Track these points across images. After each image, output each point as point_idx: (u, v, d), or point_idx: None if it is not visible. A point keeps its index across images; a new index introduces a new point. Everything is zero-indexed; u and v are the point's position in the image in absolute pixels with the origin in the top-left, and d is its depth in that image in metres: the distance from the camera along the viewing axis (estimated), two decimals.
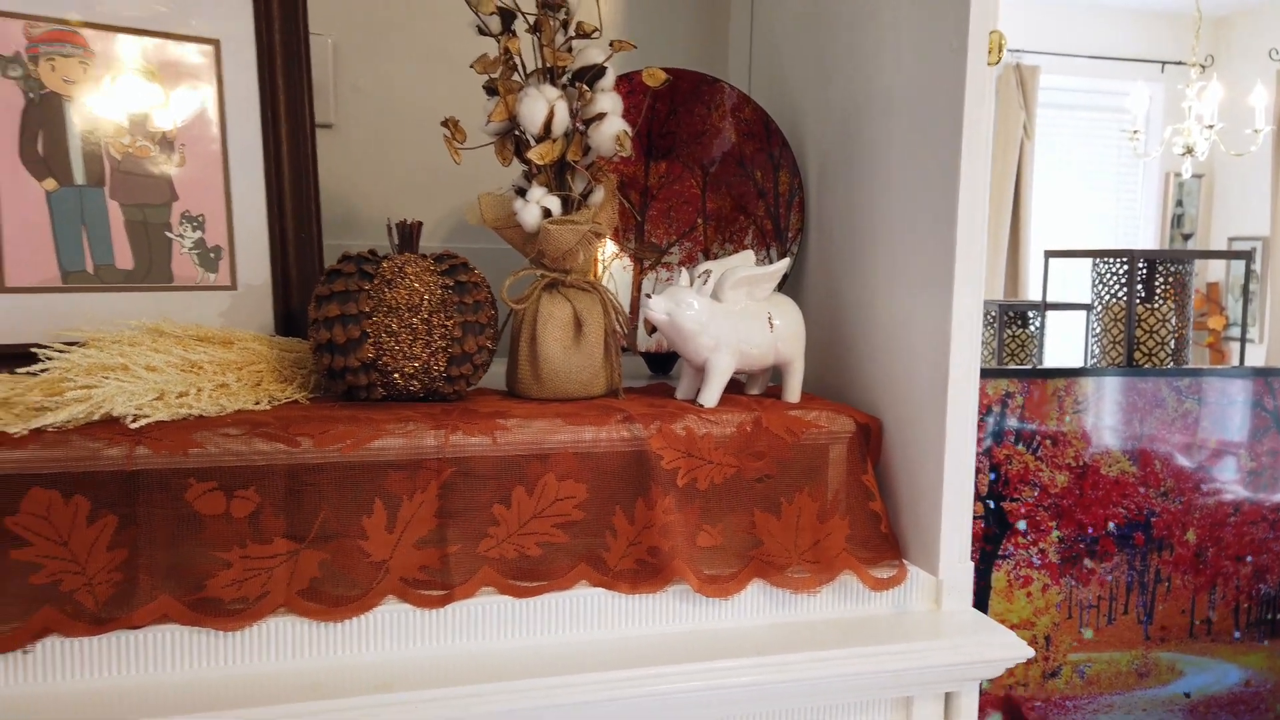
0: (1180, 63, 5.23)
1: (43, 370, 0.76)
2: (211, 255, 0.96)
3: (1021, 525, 1.33)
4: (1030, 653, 0.86)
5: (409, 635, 0.79)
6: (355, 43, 1.29)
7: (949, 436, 0.85)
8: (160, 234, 0.93)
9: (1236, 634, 1.41)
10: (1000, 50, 0.82)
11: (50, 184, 0.88)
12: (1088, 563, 1.34)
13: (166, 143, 0.94)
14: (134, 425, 0.75)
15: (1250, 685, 1.42)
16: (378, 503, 0.79)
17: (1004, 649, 0.87)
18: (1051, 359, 1.96)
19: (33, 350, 0.80)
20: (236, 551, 0.76)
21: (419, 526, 0.80)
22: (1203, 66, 4.92)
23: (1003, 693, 1.30)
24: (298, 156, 1.00)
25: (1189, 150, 3.50)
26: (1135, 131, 3.47)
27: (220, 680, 0.74)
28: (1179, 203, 5.52)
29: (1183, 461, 1.40)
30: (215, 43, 0.96)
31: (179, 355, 0.82)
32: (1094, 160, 5.30)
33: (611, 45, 0.90)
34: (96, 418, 0.75)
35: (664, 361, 1.14)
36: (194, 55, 0.95)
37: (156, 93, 0.93)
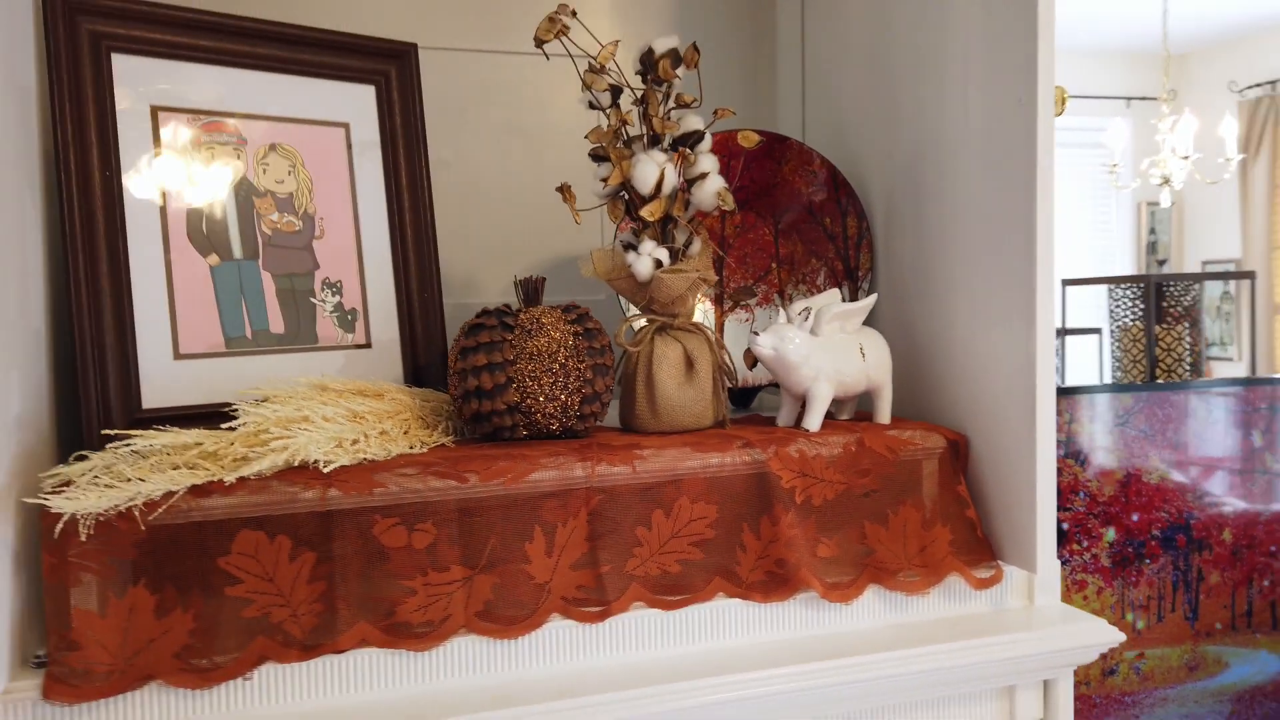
0: (1145, 98, 5.44)
1: (241, 425, 0.84)
2: (349, 317, 1.04)
3: (1075, 532, 1.41)
4: (1122, 637, 0.94)
5: (574, 649, 0.86)
6: (441, 122, 1.39)
7: (1039, 449, 0.94)
8: (306, 300, 1.01)
9: (1275, 626, 1.50)
10: (1064, 103, 0.92)
11: (213, 259, 0.96)
12: (1134, 564, 1.43)
13: (308, 218, 1.02)
14: (326, 470, 0.83)
15: None
16: (537, 529, 0.87)
17: (1095, 635, 0.95)
18: (1069, 380, 2.06)
19: (220, 409, 0.88)
20: (419, 579, 0.83)
21: (573, 550, 0.88)
22: (1168, 100, 5.14)
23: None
24: (419, 225, 1.09)
25: (1166, 180, 3.66)
26: (1114, 165, 3.63)
27: (416, 696, 0.81)
28: (1152, 230, 5.71)
29: (1214, 466, 1.49)
30: (345, 126, 1.06)
31: (344, 407, 0.90)
32: (1071, 192, 5.49)
33: (715, 113, 1.00)
34: (294, 464, 0.83)
35: (746, 397, 1.23)
36: (329, 138, 1.04)
37: (298, 173, 1.02)
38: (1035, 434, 0.94)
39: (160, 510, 0.77)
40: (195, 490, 0.78)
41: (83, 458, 0.80)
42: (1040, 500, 0.95)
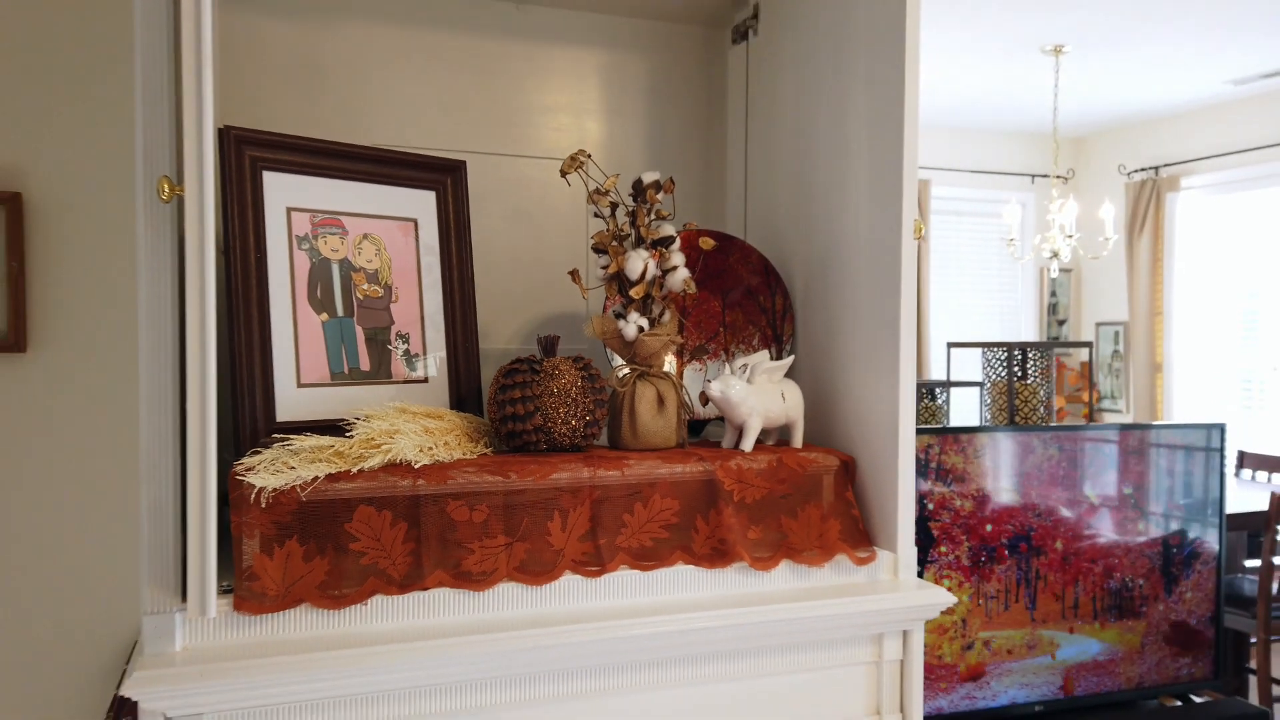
0: (1046, 175, 6.03)
1: (355, 436, 1.20)
2: (414, 359, 1.41)
3: (942, 539, 1.81)
4: (953, 599, 1.35)
5: (580, 595, 1.23)
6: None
7: (900, 468, 1.34)
8: (384, 347, 1.38)
9: (1095, 615, 1.92)
10: (919, 231, 1.34)
11: (324, 316, 1.32)
12: (987, 565, 1.84)
13: (387, 287, 1.39)
14: (415, 466, 1.19)
15: (1105, 654, 1.92)
16: (555, 512, 1.24)
17: (937, 597, 1.35)
18: (954, 422, 2.49)
19: (330, 423, 1.24)
20: (477, 543, 1.20)
21: (580, 527, 1.25)
22: (1064, 179, 5.72)
23: (931, 659, 1.78)
24: (464, 293, 1.47)
25: (1055, 255, 4.18)
26: (1011, 240, 4.14)
27: (474, 621, 1.17)
28: (1053, 294, 6.28)
29: (1049, 490, 1.92)
30: (414, 221, 1.43)
31: (420, 424, 1.27)
32: (979, 258, 6.03)
33: (685, 225, 1.40)
34: (394, 462, 1.19)
35: (699, 426, 1.62)
36: (403, 230, 1.42)
37: (382, 255, 1.39)
38: (899, 458, 1.34)
39: (308, 490, 1.12)
40: (330, 477, 1.14)
41: (256, 453, 1.15)
42: (901, 504, 1.35)
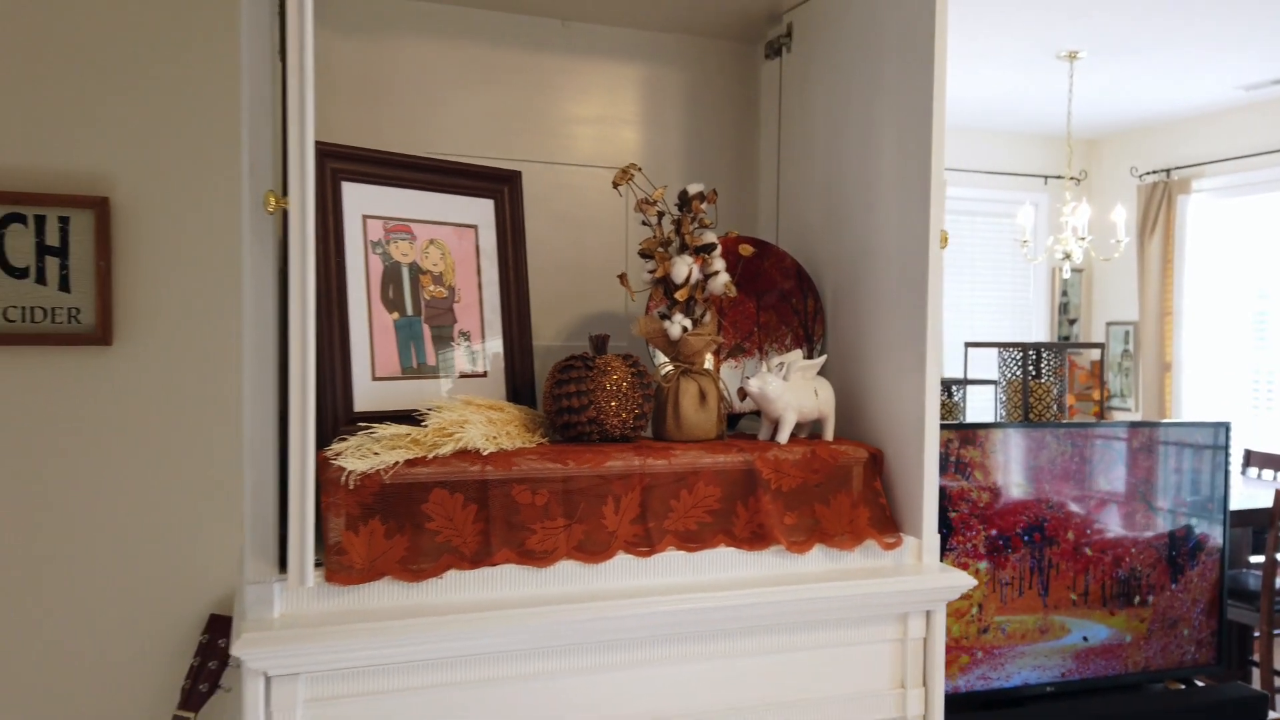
0: (1059, 176, 6.11)
1: (429, 425, 1.31)
2: (474, 355, 1.52)
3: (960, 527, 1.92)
4: (973, 582, 1.45)
5: (632, 573, 1.34)
6: None
7: (926, 460, 1.45)
8: (448, 343, 1.49)
9: (1104, 603, 2.02)
10: (945, 240, 1.44)
11: (396, 315, 1.44)
12: (1003, 553, 1.94)
13: (451, 289, 1.50)
14: (484, 453, 1.30)
15: (1114, 639, 2.02)
16: (609, 497, 1.35)
17: (959, 580, 1.45)
18: (969, 418, 2.60)
19: (402, 413, 1.35)
20: (539, 524, 1.30)
21: (631, 511, 1.36)
22: (1077, 181, 5.80)
23: (950, 641, 1.89)
24: (520, 294, 1.58)
25: (1067, 256, 4.27)
26: (1025, 241, 4.23)
27: (537, 595, 1.28)
28: (1064, 293, 6.36)
29: (1061, 484, 2.02)
30: (475, 227, 1.54)
31: (484, 415, 1.38)
32: (993, 258, 6.12)
33: (726, 234, 1.50)
34: (464, 449, 1.30)
35: (734, 420, 1.72)
36: (465, 235, 1.53)
37: (446, 259, 1.50)
38: (924, 451, 1.45)
39: (390, 473, 1.23)
40: (409, 463, 1.25)
41: (342, 439, 1.27)
42: (926, 494, 1.46)
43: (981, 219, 6.10)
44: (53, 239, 1.59)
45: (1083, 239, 4.22)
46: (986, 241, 6.11)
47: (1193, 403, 5.77)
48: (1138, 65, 4.54)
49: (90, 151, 1.61)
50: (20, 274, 1.58)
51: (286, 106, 1.12)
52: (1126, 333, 6.16)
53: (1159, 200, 5.74)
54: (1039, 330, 6.36)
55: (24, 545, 1.62)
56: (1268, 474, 4.66)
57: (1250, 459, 4.73)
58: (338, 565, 1.20)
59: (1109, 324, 6.32)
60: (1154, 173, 5.82)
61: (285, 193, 1.12)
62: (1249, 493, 4.11)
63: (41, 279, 1.59)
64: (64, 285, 1.60)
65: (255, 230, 1.14)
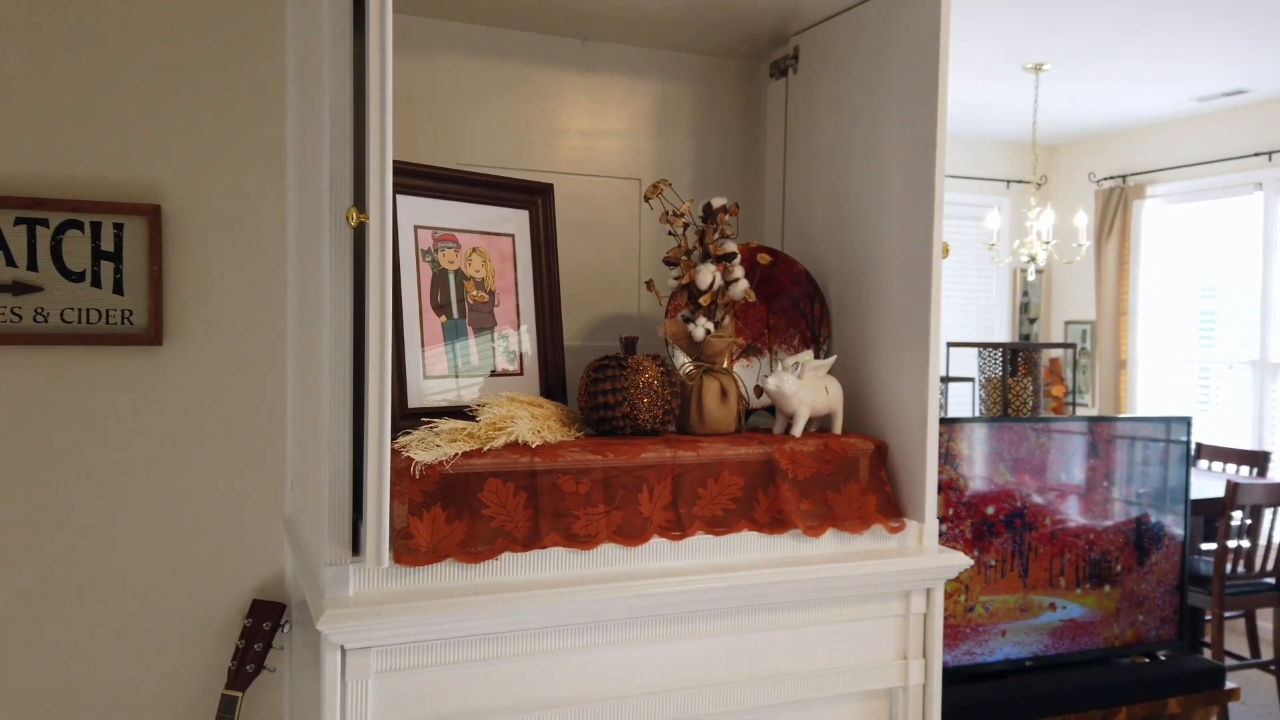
0: (1022, 181, 6.32)
1: (480, 419, 1.41)
2: (512, 355, 1.63)
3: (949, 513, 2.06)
4: (969, 562, 1.59)
5: (665, 555, 1.45)
6: None
7: (928, 452, 1.58)
8: (489, 344, 1.59)
9: (1078, 584, 2.17)
10: (947, 252, 1.57)
11: (443, 318, 1.54)
12: (987, 538, 2.09)
13: (491, 293, 1.61)
14: (533, 445, 1.41)
15: (1086, 617, 2.18)
16: (644, 485, 1.46)
17: (956, 560, 1.59)
18: (950, 413, 2.74)
19: (452, 409, 1.45)
20: (582, 511, 1.42)
21: (663, 498, 1.48)
22: (1038, 185, 6.01)
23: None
24: (553, 297, 1.68)
25: (1032, 259, 4.45)
26: (992, 245, 4.40)
27: (581, 574, 1.39)
28: (1025, 294, 6.57)
29: (1039, 474, 2.17)
30: (512, 236, 1.65)
31: (529, 411, 1.49)
32: (958, 258, 6.31)
33: (747, 245, 1.62)
34: (515, 442, 1.41)
35: (748, 416, 1.84)
36: (503, 244, 1.63)
37: (487, 265, 1.60)
38: (925, 442, 1.58)
39: (450, 464, 1.34)
40: (466, 454, 1.36)
41: (406, 433, 1.37)
42: (927, 481, 1.59)
43: (947, 221, 6.29)
44: (108, 244, 1.67)
45: (1047, 243, 4.41)
46: (951, 243, 6.31)
47: (1146, 398, 6.00)
48: (1098, 76, 4.73)
49: (143, 162, 1.70)
50: (77, 278, 1.66)
51: (365, 127, 1.21)
52: (1084, 331, 6.39)
53: (1115, 205, 5.97)
54: (1001, 329, 6.57)
55: (75, 534, 1.71)
56: (1217, 465, 4.89)
57: (1201, 451, 4.96)
58: (404, 549, 1.30)
59: (1067, 323, 6.55)
60: (1111, 178, 6.05)
61: (360, 207, 1.22)
62: (1200, 483, 4.32)
63: (97, 282, 1.67)
64: (118, 289, 1.68)
65: (335, 242, 1.24)
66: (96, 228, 1.68)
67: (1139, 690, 2.11)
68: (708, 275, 1.59)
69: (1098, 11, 3.77)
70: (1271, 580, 3.93)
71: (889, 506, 1.62)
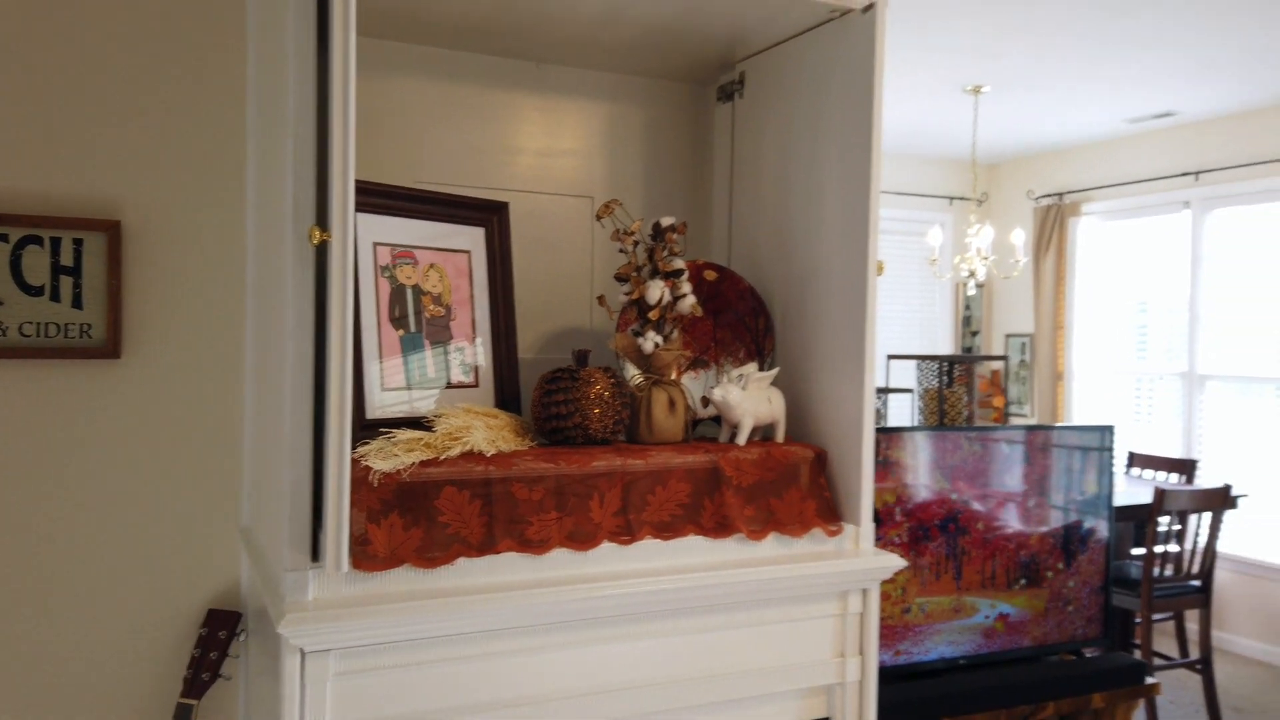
0: (964, 198, 6.50)
1: (437, 430, 1.46)
2: (468, 367, 1.68)
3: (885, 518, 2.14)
4: (904, 563, 1.67)
5: (615, 559, 1.51)
6: None
7: (864, 458, 1.66)
8: (444, 357, 1.64)
9: (1009, 585, 2.27)
10: (882, 269, 1.66)
11: (401, 332, 1.58)
12: (922, 542, 2.18)
13: (448, 308, 1.66)
14: (488, 455, 1.46)
15: (1016, 616, 2.28)
16: (595, 493, 1.52)
17: (890, 561, 1.67)
18: (890, 423, 2.84)
19: (409, 420, 1.50)
20: (535, 517, 1.47)
21: (613, 505, 1.54)
22: (979, 202, 6.19)
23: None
24: (507, 312, 1.74)
25: (972, 274, 4.60)
26: (934, 260, 4.54)
27: (535, 577, 1.44)
28: (967, 307, 6.75)
29: (972, 480, 2.27)
30: (469, 252, 1.70)
31: (483, 421, 1.54)
32: (901, 273, 6.47)
33: (694, 262, 1.69)
34: (470, 451, 1.46)
35: (694, 425, 1.91)
36: (460, 260, 1.68)
37: (444, 281, 1.65)
38: (862, 450, 1.66)
39: (407, 472, 1.39)
40: (423, 464, 1.40)
41: (364, 443, 1.41)
42: (864, 487, 1.67)
43: (891, 237, 6.44)
44: (67, 259, 1.69)
45: (986, 258, 4.56)
46: (896, 258, 6.45)
47: (1082, 409, 6.20)
48: (1035, 98, 4.91)
49: (103, 179, 1.72)
50: (36, 292, 1.68)
51: (326, 145, 1.26)
52: (1023, 344, 6.58)
53: (1052, 221, 6.16)
54: (943, 341, 6.74)
55: (37, 539, 1.72)
56: (1148, 473, 5.08)
57: (1133, 460, 5.14)
58: (363, 555, 1.34)
59: (1008, 336, 6.73)
60: (1048, 196, 6.25)
61: (323, 226, 1.27)
62: (1132, 490, 4.48)
63: (56, 296, 1.69)
64: (77, 303, 1.70)
65: (298, 259, 1.29)
66: (56, 243, 1.70)
67: (1065, 686, 2.21)
68: (656, 291, 1.66)
69: (1034, 37, 3.92)
70: (1197, 583, 4.10)
71: (828, 511, 1.69)
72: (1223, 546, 5.23)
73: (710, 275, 1.73)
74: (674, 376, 1.74)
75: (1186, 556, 4.01)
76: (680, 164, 2.16)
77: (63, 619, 1.75)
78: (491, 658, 1.43)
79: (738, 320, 1.91)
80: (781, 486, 1.66)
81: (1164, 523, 3.92)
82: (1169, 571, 3.96)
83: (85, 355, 1.72)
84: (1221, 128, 5.32)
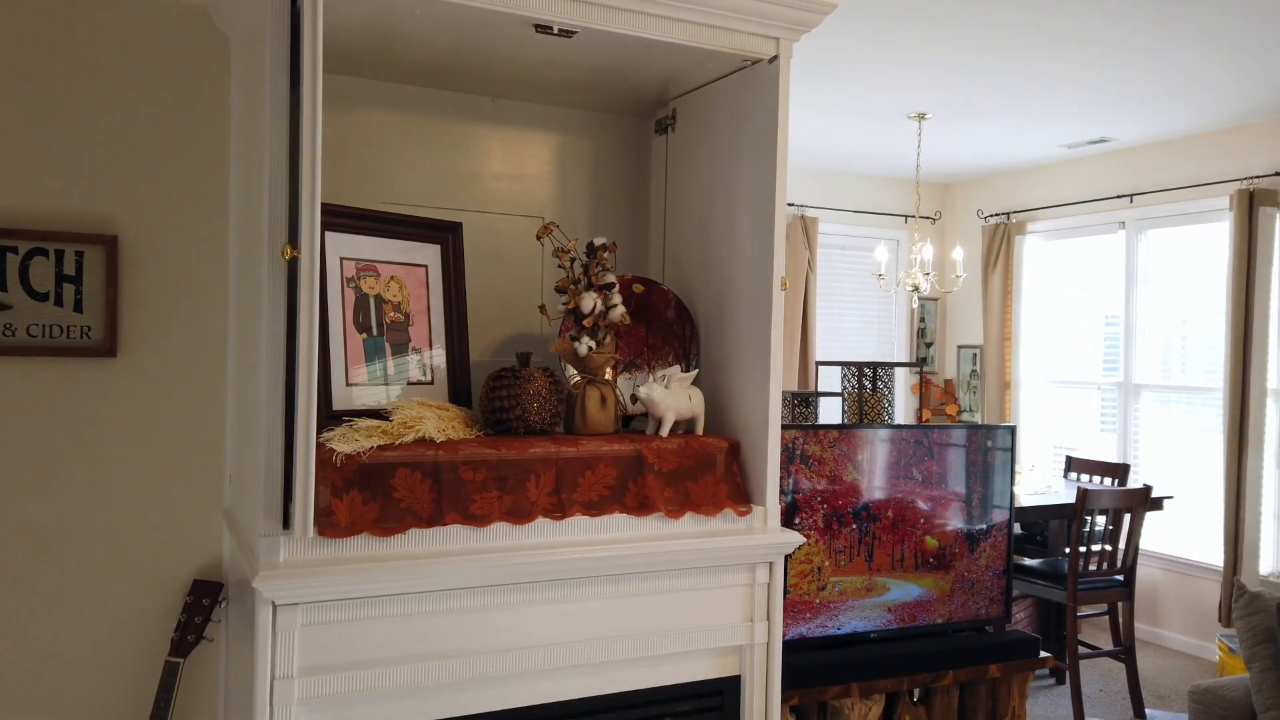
0: (922, 216, 6.76)
1: (393, 419, 1.67)
2: (425, 367, 1.89)
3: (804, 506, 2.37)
4: (804, 540, 1.89)
5: (549, 532, 1.73)
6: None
7: (769, 449, 1.88)
8: (404, 357, 1.86)
9: (916, 568, 2.50)
10: (785, 284, 1.89)
11: (364, 336, 1.80)
12: (837, 527, 2.41)
13: (406, 314, 1.87)
14: (438, 440, 1.68)
15: (923, 596, 2.51)
16: (531, 476, 1.74)
17: (792, 538, 1.89)
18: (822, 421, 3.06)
19: (370, 411, 1.72)
20: (478, 495, 1.69)
21: (548, 486, 1.75)
22: (932, 220, 6.46)
23: (795, 596, 2.34)
24: (460, 319, 1.95)
25: (915, 288, 4.86)
26: (880, 275, 4.79)
27: (478, 547, 1.66)
28: (922, 319, 7.02)
29: (884, 473, 2.50)
30: (425, 266, 1.92)
31: (435, 413, 1.75)
32: (859, 287, 6.73)
33: (625, 276, 1.92)
34: (422, 438, 1.67)
35: (627, 421, 2.13)
36: (418, 273, 1.90)
37: (403, 291, 1.87)
38: (768, 441, 1.88)
39: (366, 455, 1.60)
40: (380, 448, 1.62)
41: (329, 429, 1.62)
42: (769, 474, 1.89)
43: (851, 252, 6.71)
44: (69, 269, 1.90)
45: (928, 274, 4.82)
46: (855, 273, 6.72)
47: (1028, 416, 6.46)
48: (976, 126, 5.18)
49: (103, 198, 1.93)
50: (42, 297, 1.89)
51: (297, 175, 1.48)
52: (974, 354, 6.84)
53: (1000, 239, 6.44)
54: (899, 351, 6.99)
55: (39, 522, 1.92)
56: (1085, 477, 5.33)
57: (1070, 464, 5.40)
58: (327, 524, 1.56)
59: (960, 346, 7.00)
60: (996, 215, 6.52)
61: (293, 244, 1.49)
62: (1067, 492, 4.73)
63: (59, 302, 1.89)
64: (78, 307, 1.91)
65: (272, 272, 1.50)
66: (60, 255, 1.90)
67: (964, 657, 2.44)
68: (590, 301, 1.88)
69: (969, 72, 4.19)
70: (1120, 578, 4.35)
71: (739, 494, 1.92)
72: (1156, 546, 5.50)
73: (638, 288, 1.96)
74: (607, 376, 1.96)
75: (1108, 554, 4.26)
76: (622, 188, 2.39)
77: (66, 587, 1.95)
78: (438, 615, 1.64)
79: (666, 328, 2.13)
80: (698, 472, 1.89)
81: (1100, 522, 4.17)
82: (1093, 566, 4.21)
83: (85, 354, 1.93)
84: (1153, 153, 5.61)
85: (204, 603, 1.98)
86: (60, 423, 1.93)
